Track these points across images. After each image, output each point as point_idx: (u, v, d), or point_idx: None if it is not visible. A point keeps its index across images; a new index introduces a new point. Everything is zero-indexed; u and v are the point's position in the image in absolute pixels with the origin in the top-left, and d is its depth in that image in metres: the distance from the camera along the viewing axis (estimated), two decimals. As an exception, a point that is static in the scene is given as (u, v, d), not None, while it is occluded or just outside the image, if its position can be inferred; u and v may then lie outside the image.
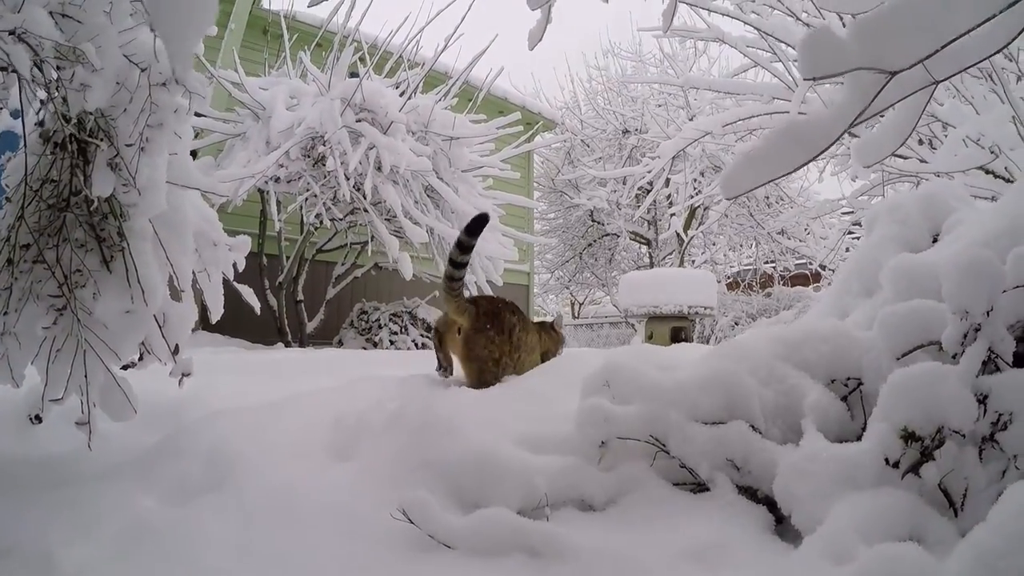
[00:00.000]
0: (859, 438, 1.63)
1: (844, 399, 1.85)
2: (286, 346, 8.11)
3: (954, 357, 1.55)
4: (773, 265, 18.08)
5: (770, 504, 1.65)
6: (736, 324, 15.17)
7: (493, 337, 2.67)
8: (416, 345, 8.57)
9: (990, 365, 1.55)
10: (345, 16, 7.73)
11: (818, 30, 1.19)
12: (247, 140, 7.12)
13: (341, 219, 7.53)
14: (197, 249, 2.09)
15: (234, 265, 2.26)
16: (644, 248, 18.73)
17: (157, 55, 1.79)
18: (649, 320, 8.39)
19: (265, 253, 8.27)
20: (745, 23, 7.16)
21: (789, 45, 7.15)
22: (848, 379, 1.86)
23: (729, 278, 18.84)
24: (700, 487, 1.75)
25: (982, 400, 1.48)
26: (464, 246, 2.71)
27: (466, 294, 8.08)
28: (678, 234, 14.48)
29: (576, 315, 23.38)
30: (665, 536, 1.50)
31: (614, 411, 1.77)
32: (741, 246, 18.20)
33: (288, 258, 8.21)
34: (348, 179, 6.83)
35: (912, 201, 2.73)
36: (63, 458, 2.00)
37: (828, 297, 2.85)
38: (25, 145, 1.79)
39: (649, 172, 11.89)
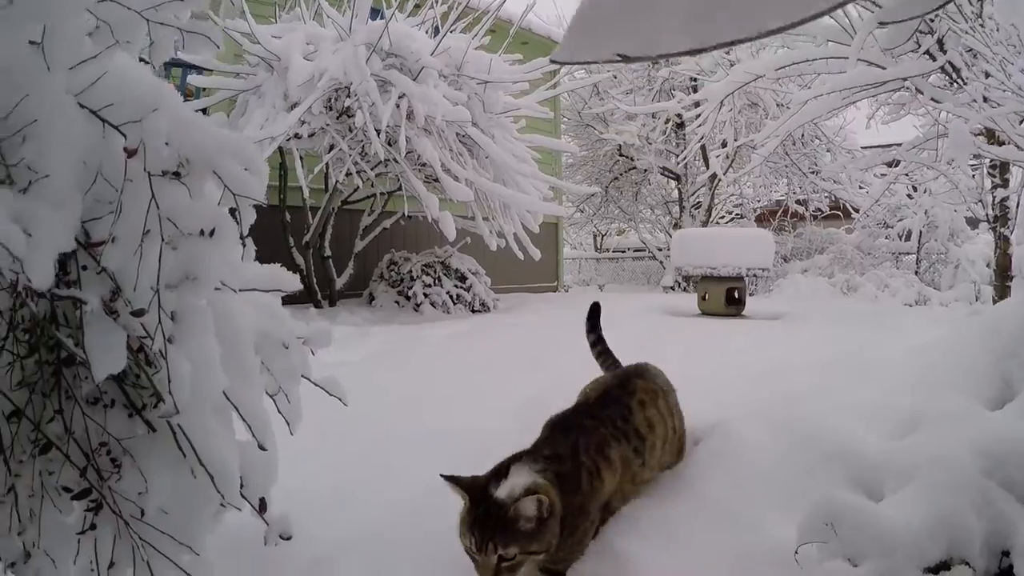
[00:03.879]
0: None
1: None
2: (316, 306, 7.83)
3: None
4: (804, 203, 17.71)
5: None
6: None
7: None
8: (452, 298, 8.29)
9: None
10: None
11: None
12: (263, 95, 6.65)
13: (371, 171, 7.11)
14: (264, 362, 1.46)
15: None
16: (672, 183, 18.29)
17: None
18: (703, 280, 8.09)
19: (287, 206, 7.91)
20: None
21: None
22: None
23: (756, 212, 18.46)
24: None
25: None
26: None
27: (495, 245, 7.77)
28: (713, 173, 14.02)
29: (599, 247, 23.10)
30: None
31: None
32: (774, 180, 17.75)
33: (313, 211, 7.84)
34: (379, 133, 6.38)
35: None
36: None
37: (978, 355, 2.44)
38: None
39: (684, 109, 11.40)
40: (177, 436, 1.16)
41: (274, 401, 1.50)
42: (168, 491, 1.18)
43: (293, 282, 1.44)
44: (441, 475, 1.72)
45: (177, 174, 1.09)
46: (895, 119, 10.03)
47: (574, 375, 2.42)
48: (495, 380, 3.65)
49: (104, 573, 1.20)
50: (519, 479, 1.70)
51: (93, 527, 1.21)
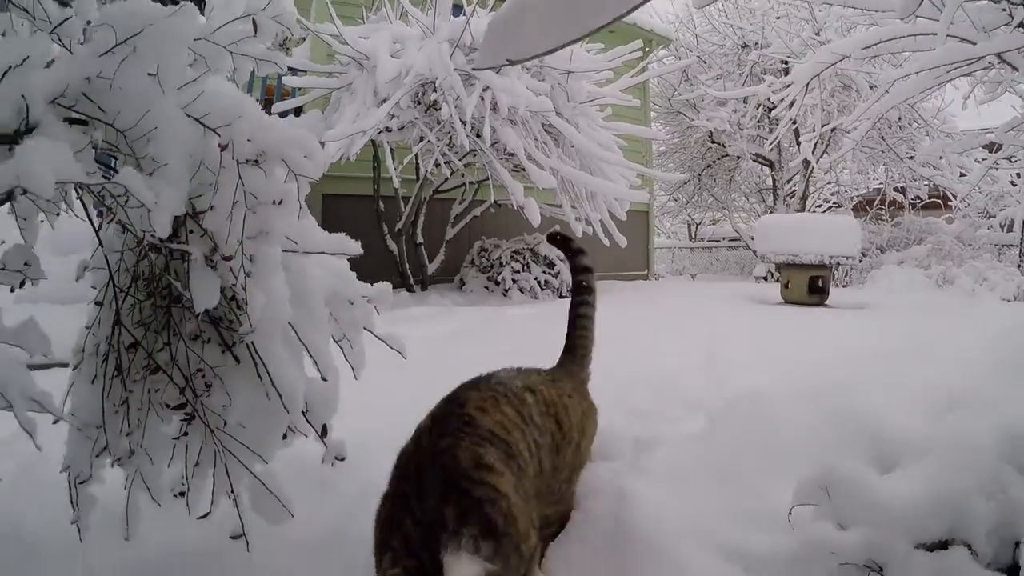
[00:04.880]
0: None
1: None
2: (408, 290, 8.20)
3: None
4: (902, 190, 17.16)
5: None
6: (864, 256, 14.50)
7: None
8: (540, 284, 8.52)
9: None
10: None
11: None
12: (354, 92, 7.00)
13: (459, 161, 7.41)
14: (332, 313, 1.79)
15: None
16: (767, 170, 18.03)
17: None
18: (786, 268, 8.05)
19: (381, 196, 8.28)
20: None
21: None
22: None
23: (854, 201, 18.01)
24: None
25: None
26: None
27: (580, 231, 7.92)
28: (806, 159, 13.79)
29: (693, 237, 22.93)
30: None
31: (838, 538, 1.62)
32: (871, 170, 17.27)
33: (405, 200, 8.20)
34: (465, 124, 6.67)
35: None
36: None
37: None
38: (101, 244, 1.54)
39: (775, 93, 11.24)
40: (257, 366, 1.53)
41: (342, 350, 1.82)
42: (246, 409, 1.55)
43: (355, 247, 1.75)
44: None
45: (256, 161, 1.45)
46: (992, 99, 9.71)
47: (624, 355, 2.60)
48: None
49: (191, 470, 1.61)
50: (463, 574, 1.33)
51: (186, 434, 1.61)
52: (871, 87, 13.68)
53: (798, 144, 15.62)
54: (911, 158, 15.76)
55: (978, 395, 2.31)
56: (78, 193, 1.42)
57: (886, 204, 17.57)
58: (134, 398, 1.60)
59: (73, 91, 1.27)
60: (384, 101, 6.64)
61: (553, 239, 2.55)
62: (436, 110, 6.92)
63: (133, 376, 1.60)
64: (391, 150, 7.05)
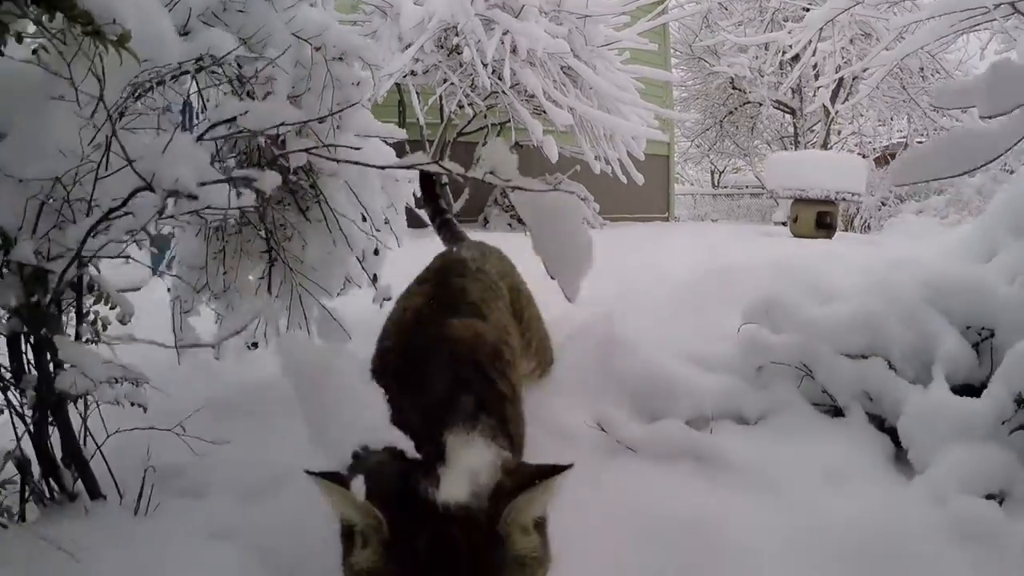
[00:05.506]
0: (983, 385, 1.90)
1: (976, 346, 2.09)
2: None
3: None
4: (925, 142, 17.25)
5: (892, 433, 1.98)
6: (883, 205, 14.78)
7: None
8: (559, 223, 8.98)
9: None
10: None
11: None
12: (379, 39, 7.40)
13: (482, 103, 7.84)
14: (383, 187, 2.37)
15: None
16: (788, 118, 18.25)
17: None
18: (795, 203, 8.45)
19: (407, 140, 8.74)
20: None
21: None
22: (982, 329, 2.10)
23: (877, 152, 18.17)
24: (837, 412, 2.10)
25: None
26: None
27: (598, 169, 8.32)
28: (824, 107, 14.03)
29: (716, 184, 23.19)
30: (804, 451, 1.88)
31: (772, 340, 2.13)
32: (892, 119, 17.41)
33: (429, 143, 8.65)
34: (486, 66, 7.09)
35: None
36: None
37: (977, 229, 2.90)
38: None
39: (795, 40, 11.51)
40: (326, 220, 2.07)
41: (388, 224, 2.34)
42: (318, 255, 2.10)
43: (400, 133, 2.24)
44: (311, 473, 1.07)
45: (340, 58, 1.93)
46: (1007, 51, 9.91)
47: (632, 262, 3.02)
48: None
49: (271, 300, 2.11)
50: (472, 458, 1.15)
51: (270, 273, 2.11)
52: (901, 36, 13.75)
53: (815, 92, 15.81)
54: (935, 110, 15.86)
55: (914, 261, 2.73)
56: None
57: (909, 154, 17.69)
58: (229, 247, 2.14)
59: (213, 10, 1.73)
60: (408, 47, 7.07)
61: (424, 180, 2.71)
62: (458, 53, 7.34)
63: (228, 231, 2.13)
64: (416, 94, 7.50)
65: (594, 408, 2.00)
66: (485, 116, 8.54)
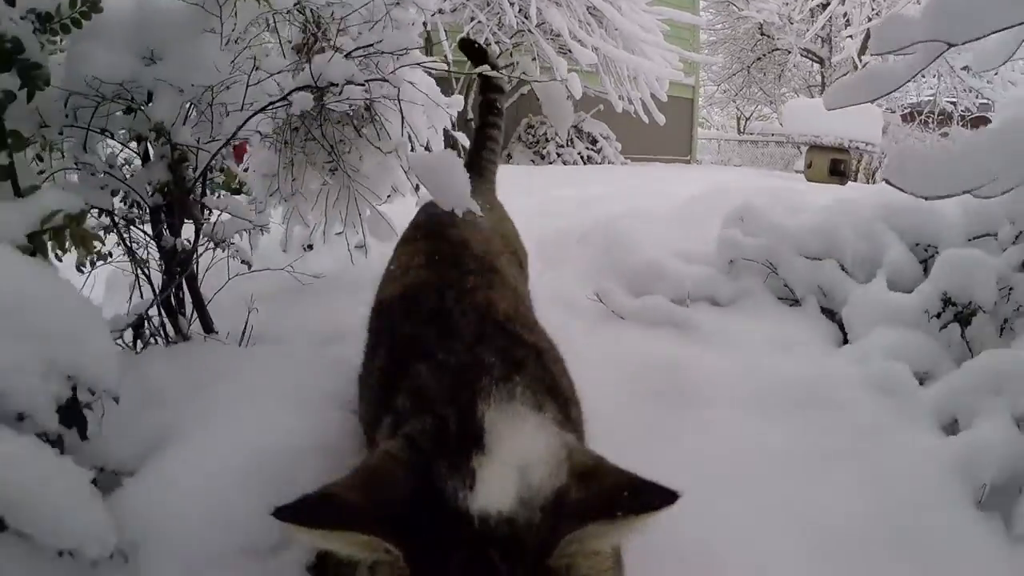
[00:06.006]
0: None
1: (924, 262, 2.52)
2: (459, 159, 9.18)
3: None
4: (954, 103, 17.40)
5: (842, 325, 2.44)
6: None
7: None
8: (582, 159, 9.46)
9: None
10: None
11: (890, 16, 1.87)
12: None
13: (508, 41, 8.24)
14: (425, 110, 2.67)
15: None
16: (816, 67, 18.41)
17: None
18: (810, 149, 8.81)
19: (433, 77, 9.16)
20: None
21: None
22: (928, 246, 2.55)
23: (906, 108, 18.31)
24: (795, 303, 2.60)
25: (1008, 290, 2.11)
26: None
27: (620, 108, 8.78)
28: (853, 58, 14.25)
29: (741, 130, 23.37)
30: (763, 328, 2.40)
31: (743, 241, 2.64)
32: (922, 77, 17.53)
33: (456, 80, 9.06)
34: (512, 5, 7.48)
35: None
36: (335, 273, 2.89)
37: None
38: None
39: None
40: (379, 136, 2.50)
41: (429, 143, 2.84)
42: (370, 165, 2.56)
43: (441, 65, 2.69)
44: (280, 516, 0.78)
45: (398, 3, 2.34)
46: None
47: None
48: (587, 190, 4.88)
49: (331, 206, 2.58)
50: (525, 448, 0.87)
51: (329, 181, 2.58)
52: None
53: (843, 45, 15.97)
54: (965, 69, 15.97)
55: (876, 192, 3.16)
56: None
57: (935, 114, 17.88)
58: (297, 160, 2.61)
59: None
60: None
61: (467, 45, 2.58)
62: None
63: (295, 147, 2.62)
64: (444, 31, 7.90)
65: (594, 285, 2.53)
66: (511, 54, 8.93)
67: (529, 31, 8.05)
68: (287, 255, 2.88)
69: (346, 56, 1.95)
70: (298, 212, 2.76)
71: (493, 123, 2.51)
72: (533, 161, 9.59)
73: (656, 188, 5.08)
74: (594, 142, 9.81)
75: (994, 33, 1.57)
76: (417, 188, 2.83)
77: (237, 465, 1.24)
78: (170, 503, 1.16)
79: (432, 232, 1.69)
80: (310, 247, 3.08)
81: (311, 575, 1.17)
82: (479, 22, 7.87)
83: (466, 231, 1.65)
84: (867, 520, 1.55)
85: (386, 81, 2.07)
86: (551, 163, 9.37)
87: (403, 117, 2.57)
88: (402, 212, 2.81)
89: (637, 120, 9.05)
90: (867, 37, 15.83)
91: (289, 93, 1.87)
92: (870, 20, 13.84)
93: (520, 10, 7.81)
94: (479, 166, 2.36)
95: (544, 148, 9.51)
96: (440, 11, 7.76)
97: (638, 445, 1.18)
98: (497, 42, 8.18)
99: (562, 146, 9.57)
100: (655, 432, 1.82)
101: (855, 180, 11.35)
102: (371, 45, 1.94)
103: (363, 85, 2.33)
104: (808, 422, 1.91)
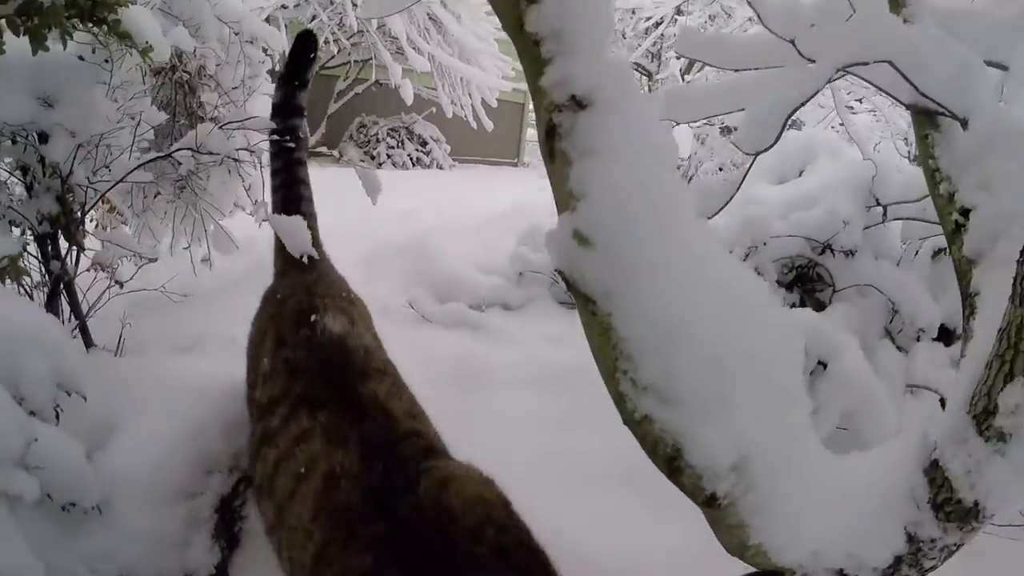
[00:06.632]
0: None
1: None
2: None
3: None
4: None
5: None
6: (721, 169, 16.46)
7: None
8: (411, 160, 9.93)
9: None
10: None
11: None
12: None
13: (346, 42, 8.60)
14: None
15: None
16: (645, 79, 19.67)
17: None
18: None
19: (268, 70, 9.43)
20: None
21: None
22: None
23: (724, 124, 19.74)
24: (573, 306, 3.24)
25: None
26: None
27: (451, 113, 9.43)
28: (677, 75, 15.45)
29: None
30: (543, 327, 3.02)
31: (531, 256, 3.26)
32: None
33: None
34: (355, 6, 7.85)
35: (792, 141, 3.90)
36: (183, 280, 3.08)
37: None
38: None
39: (656, 11, 12.83)
40: (225, 165, 2.93)
41: None
42: (215, 184, 2.93)
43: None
44: None
45: (251, 41, 2.85)
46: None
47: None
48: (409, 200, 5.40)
49: (179, 221, 2.96)
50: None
51: (179, 197, 2.98)
52: (749, 19, 15.30)
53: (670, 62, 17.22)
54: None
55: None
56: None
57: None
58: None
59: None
60: None
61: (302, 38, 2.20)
62: None
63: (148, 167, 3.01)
64: (285, 25, 8.17)
65: (408, 294, 3.09)
66: (348, 53, 9.29)
67: (369, 33, 8.42)
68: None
69: (220, 127, 2.33)
70: (148, 227, 3.10)
71: (300, 160, 2.18)
72: (363, 161, 9.97)
73: (472, 200, 5.70)
74: (424, 144, 10.32)
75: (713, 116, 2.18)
76: (256, 204, 3.18)
77: (172, 437, 1.72)
78: (131, 467, 1.61)
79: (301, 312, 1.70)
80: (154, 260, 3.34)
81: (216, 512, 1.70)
82: (321, 20, 8.16)
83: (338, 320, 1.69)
84: (606, 460, 2.10)
85: (251, 151, 2.47)
86: (381, 164, 9.79)
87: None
88: (242, 225, 3.19)
89: (468, 123, 9.62)
90: (691, 59, 17.17)
91: (173, 151, 2.26)
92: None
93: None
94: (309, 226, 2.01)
95: (375, 149, 9.93)
96: (284, 6, 8.02)
97: (446, 419, 1.54)
98: (336, 40, 8.53)
99: (392, 147, 10.02)
100: (457, 408, 2.34)
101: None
102: (242, 120, 2.28)
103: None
104: (571, 396, 2.50)
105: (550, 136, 0.96)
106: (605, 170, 0.93)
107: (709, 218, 2.17)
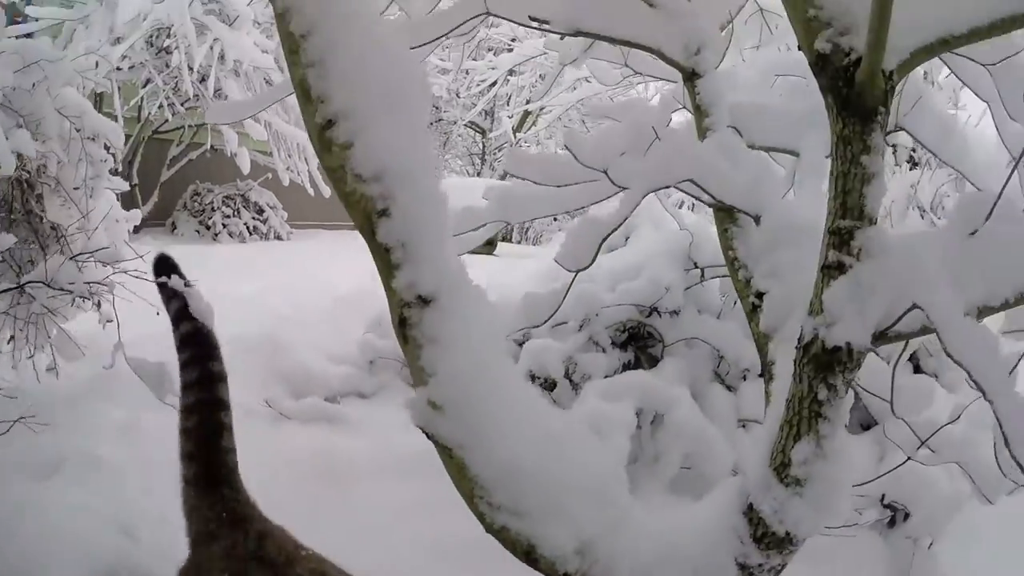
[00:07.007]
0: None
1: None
2: (121, 229, 9.24)
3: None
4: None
5: None
6: (555, 219, 17.22)
7: None
8: (248, 229, 9.91)
9: (596, 347, 3.20)
10: None
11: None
12: (90, 26, 7.36)
13: (181, 106, 8.53)
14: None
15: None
16: (479, 137, 20.39)
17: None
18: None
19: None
20: None
21: None
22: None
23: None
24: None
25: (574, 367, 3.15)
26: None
27: (287, 180, 9.51)
28: (510, 132, 16.13)
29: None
30: (398, 414, 3.23)
31: (379, 344, 3.51)
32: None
33: (127, 137, 9.19)
34: (192, 71, 7.77)
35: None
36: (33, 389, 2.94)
37: None
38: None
39: (491, 73, 13.43)
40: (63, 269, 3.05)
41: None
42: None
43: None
44: None
45: (92, 138, 2.94)
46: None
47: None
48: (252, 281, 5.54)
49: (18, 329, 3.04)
50: None
51: (18, 303, 3.07)
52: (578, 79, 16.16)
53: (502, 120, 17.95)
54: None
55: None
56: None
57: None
58: None
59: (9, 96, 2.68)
60: (119, 40, 7.34)
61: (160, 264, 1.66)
62: (168, 54, 7.99)
63: None
64: (118, 88, 7.89)
65: (264, 391, 3.27)
66: (183, 117, 9.15)
67: (205, 99, 8.37)
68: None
69: (71, 258, 2.47)
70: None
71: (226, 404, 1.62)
72: (199, 232, 9.83)
73: (317, 276, 5.91)
74: (261, 211, 10.29)
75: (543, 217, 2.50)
76: (99, 305, 2.99)
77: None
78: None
79: None
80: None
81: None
82: (155, 84, 8.08)
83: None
84: (468, 542, 2.09)
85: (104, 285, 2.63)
86: (217, 235, 9.69)
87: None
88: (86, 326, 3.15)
89: (305, 188, 9.69)
90: (523, 116, 17.97)
91: (25, 283, 2.36)
92: (527, 102, 15.76)
93: (201, 78, 8.10)
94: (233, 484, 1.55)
95: (210, 219, 9.82)
96: (118, 68, 7.77)
97: (308, 518, 1.64)
98: (171, 105, 8.44)
99: (228, 216, 9.96)
100: (320, 506, 2.49)
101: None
102: (92, 252, 2.40)
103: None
104: (431, 480, 2.67)
105: (402, 325, 1.22)
106: (448, 354, 1.20)
107: (537, 327, 2.56)
